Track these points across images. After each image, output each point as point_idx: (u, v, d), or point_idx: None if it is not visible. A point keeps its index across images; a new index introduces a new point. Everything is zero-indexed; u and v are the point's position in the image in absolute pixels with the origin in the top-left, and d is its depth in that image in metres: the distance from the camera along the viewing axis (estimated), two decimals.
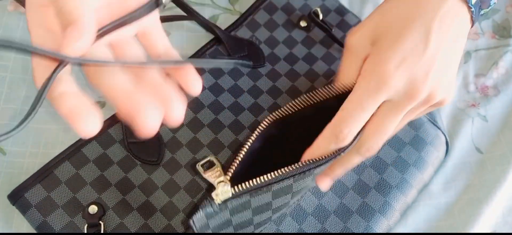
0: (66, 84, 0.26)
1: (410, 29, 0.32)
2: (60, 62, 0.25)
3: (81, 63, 0.27)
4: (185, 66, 0.29)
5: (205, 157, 0.44)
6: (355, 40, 0.34)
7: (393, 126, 0.33)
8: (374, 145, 0.34)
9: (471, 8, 0.33)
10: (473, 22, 0.34)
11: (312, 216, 0.41)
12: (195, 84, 0.29)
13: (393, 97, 0.32)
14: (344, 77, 0.34)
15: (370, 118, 0.33)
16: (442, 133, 0.47)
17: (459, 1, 0.33)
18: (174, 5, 0.54)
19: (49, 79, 0.25)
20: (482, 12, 0.34)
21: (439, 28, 0.32)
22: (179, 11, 0.54)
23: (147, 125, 0.25)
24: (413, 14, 0.32)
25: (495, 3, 0.36)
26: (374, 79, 0.32)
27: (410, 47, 0.32)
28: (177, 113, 0.26)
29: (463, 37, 0.34)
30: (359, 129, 0.33)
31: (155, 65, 0.28)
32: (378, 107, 0.33)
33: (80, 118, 0.24)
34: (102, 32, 0.28)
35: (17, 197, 0.40)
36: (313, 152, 0.34)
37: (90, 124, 0.24)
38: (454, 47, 0.34)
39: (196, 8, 0.53)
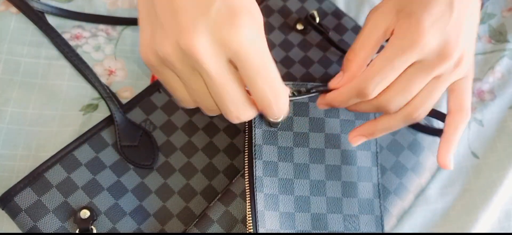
0: None
1: None
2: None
3: None
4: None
5: (200, 161, 0.44)
6: (378, 13, 0.33)
7: (420, 87, 0.33)
8: (400, 103, 0.34)
9: None
10: (482, 4, 0.35)
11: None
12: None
13: (425, 57, 0.32)
14: (360, 49, 0.34)
15: (397, 77, 0.33)
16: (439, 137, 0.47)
17: None
18: None
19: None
20: None
21: (460, 1, 0.33)
22: None
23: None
24: None
25: None
26: (408, 36, 0.31)
27: (439, 11, 0.32)
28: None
29: (477, 14, 0.35)
30: (384, 87, 0.33)
31: None
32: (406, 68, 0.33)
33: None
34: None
35: (6, 201, 0.40)
36: (334, 96, 0.35)
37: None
38: (473, 19, 0.34)
39: None
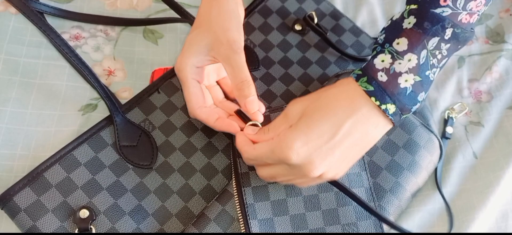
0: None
1: (324, 119, 0.38)
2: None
3: None
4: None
5: (199, 161, 0.44)
6: (294, 109, 0.39)
7: (283, 178, 0.40)
8: (259, 174, 0.41)
9: (390, 117, 0.38)
10: (395, 124, 0.39)
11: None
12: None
13: (290, 165, 0.38)
14: (273, 129, 0.40)
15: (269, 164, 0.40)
16: (436, 136, 0.47)
17: (376, 111, 0.38)
18: (167, 7, 0.54)
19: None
20: (404, 116, 0.39)
21: (351, 127, 0.38)
22: (173, 13, 0.53)
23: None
24: (334, 108, 0.38)
25: (420, 102, 0.39)
26: (282, 146, 0.37)
27: (317, 134, 0.37)
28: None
29: (377, 135, 0.39)
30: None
31: None
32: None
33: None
34: None
35: (5, 200, 0.40)
36: (238, 141, 0.41)
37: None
38: (361, 144, 0.39)
39: (189, 10, 0.53)
